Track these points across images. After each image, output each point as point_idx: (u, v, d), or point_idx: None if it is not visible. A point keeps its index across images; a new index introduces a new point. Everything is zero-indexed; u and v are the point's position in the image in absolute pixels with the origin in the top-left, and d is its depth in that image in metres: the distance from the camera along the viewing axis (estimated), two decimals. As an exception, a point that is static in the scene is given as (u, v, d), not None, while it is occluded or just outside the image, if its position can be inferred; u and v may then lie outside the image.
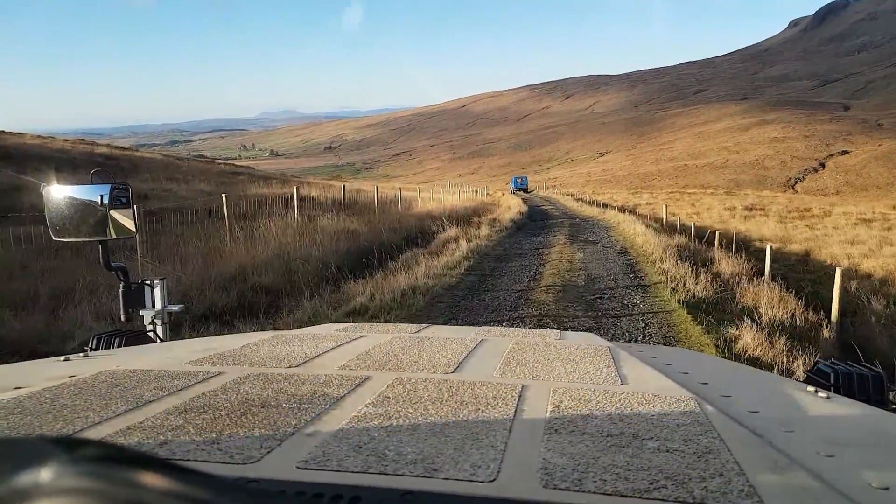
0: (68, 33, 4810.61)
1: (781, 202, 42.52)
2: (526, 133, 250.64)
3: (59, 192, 2.07)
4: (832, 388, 1.39)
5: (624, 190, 74.49)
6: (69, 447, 0.34)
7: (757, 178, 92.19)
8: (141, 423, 0.81)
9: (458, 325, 6.56)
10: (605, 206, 33.42)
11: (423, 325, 1.94)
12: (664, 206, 25.39)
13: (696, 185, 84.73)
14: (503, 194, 50.19)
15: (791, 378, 2.26)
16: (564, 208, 34.09)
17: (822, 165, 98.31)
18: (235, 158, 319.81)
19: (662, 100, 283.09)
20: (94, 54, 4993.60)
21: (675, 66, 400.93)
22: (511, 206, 28.00)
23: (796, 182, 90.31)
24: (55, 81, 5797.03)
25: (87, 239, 2.14)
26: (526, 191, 56.54)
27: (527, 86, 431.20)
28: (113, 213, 2.06)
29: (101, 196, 2.04)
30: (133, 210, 2.14)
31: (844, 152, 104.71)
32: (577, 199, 43.34)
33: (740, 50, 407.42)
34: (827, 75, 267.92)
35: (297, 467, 0.67)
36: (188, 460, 0.69)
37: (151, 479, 0.32)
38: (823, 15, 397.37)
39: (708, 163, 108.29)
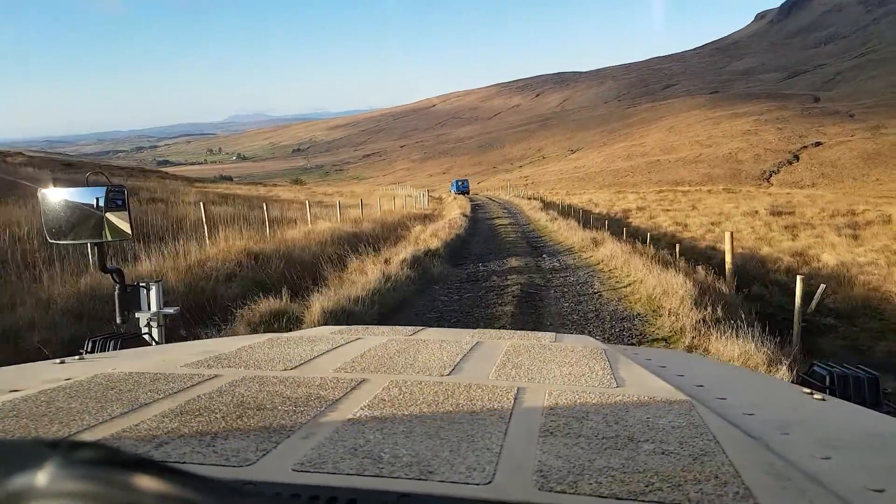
0: (31, 42, 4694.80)
1: (801, 200, 34.85)
2: (497, 131, 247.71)
3: (54, 195, 2.06)
4: (827, 391, 1.38)
5: (599, 188, 71.15)
6: (65, 450, 0.34)
7: (731, 171, 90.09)
8: (137, 425, 0.81)
9: None
10: (587, 217, 24.29)
11: (419, 327, 1.90)
12: (730, 235, 10.96)
13: (670, 180, 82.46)
14: (454, 198, 42.81)
15: (786, 380, 2.21)
16: (527, 226, 23.44)
17: (797, 157, 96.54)
18: (201, 163, 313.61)
19: (632, 95, 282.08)
20: (59, 62, 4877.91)
21: (643, 61, 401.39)
22: (426, 235, 16.18)
23: (771, 175, 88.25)
24: (19, 90, 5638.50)
25: (82, 241, 2.14)
26: (466, 194, 50.73)
27: (496, 84, 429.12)
28: (108, 215, 2.05)
29: (97, 199, 2.05)
30: (129, 213, 2.13)
31: (818, 143, 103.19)
32: (547, 207, 31.42)
33: (708, 44, 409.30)
34: (795, 67, 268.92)
35: (293, 470, 0.67)
36: (184, 463, 0.69)
37: (147, 482, 0.32)
38: (789, 7, 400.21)
39: (681, 157, 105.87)
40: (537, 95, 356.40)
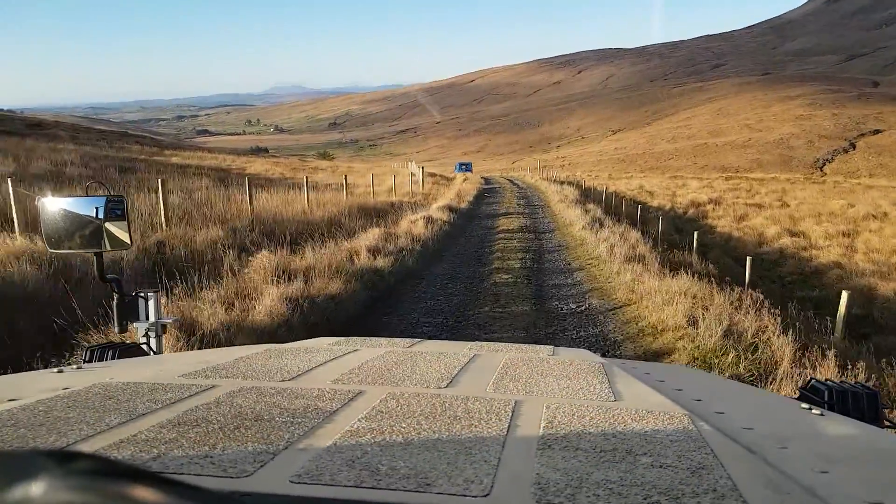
0: (78, 9, 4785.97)
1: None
2: (535, 109, 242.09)
3: (53, 204, 2.10)
4: (826, 406, 1.38)
5: (641, 171, 67.09)
6: (62, 460, 0.34)
7: (782, 158, 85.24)
8: (134, 436, 0.82)
9: None
10: (644, 216, 17.52)
11: (416, 339, 1.89)
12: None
13: (717, 165, 78.23)
14: (465, 178, 36.21)
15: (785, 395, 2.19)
16: (548, 236, 14.38)
17: (853, 146, 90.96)
18: (240, 134, 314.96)
19: (678, 75, 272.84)
20: (105, 30, 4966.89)
21: (691, 39, 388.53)
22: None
23: (824, 163, 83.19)
24: (65, 57, 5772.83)
25: (81, 251, 2.18)
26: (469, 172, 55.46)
27: (537, 60, 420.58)
28: (108, 225, 2.08)
29: (97, 208, 2.07)
30: (128, 222, 2.16)
31: (877, 131, 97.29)
32: (584, 197, 22.26)
33: (760, 23, 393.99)
34: (853, 49, 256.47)
35: (291, 481, 0.67)
36: (181, 474, 0.69)
37: (144, 493, 0.32)
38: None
39: (729, 141, 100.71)
40: (579, 72, 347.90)
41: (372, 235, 11.00)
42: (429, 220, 14.13)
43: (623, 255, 10.25)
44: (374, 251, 9.87)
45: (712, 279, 8.14)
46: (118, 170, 18.33)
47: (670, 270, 9.09)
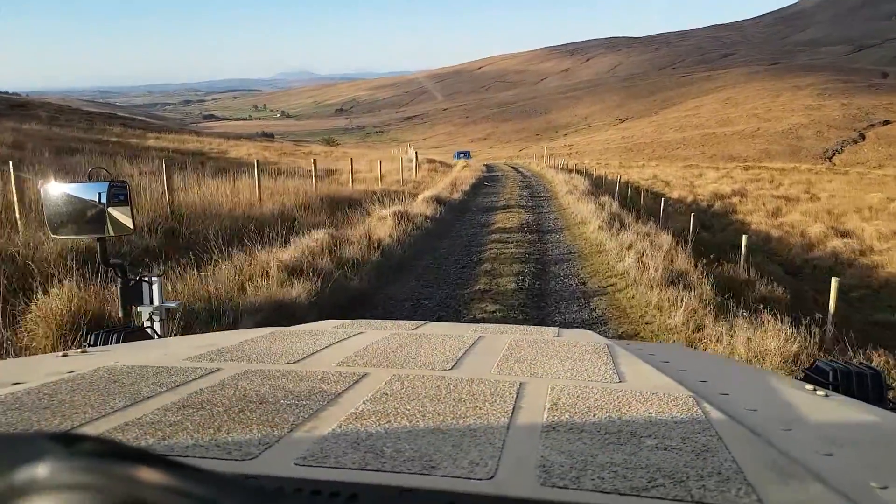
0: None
1: None
2: (542, 97, 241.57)
3: (56, 190, 2.09)
4: (830, 387, 1.37)
5: (649, 159, 67.41)
6: (66, 443, 0.34)
7: (791, 148, 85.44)
8: (139, 419, 0.81)
9: None
10: (666, 208, 15.24)
11: (421, 322, 1.89)
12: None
13: (726, 154, 78.54)
14: (465, 165, 33.26)
15: (789, 377, 2.18)
16: (552, 248, 10.88)
17: (863, 136, 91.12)
18: (246, 119, 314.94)
19: (687, 64, 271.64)
20: (115, 14, 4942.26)
21: (700, 28, 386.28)
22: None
23: (834, 154, 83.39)
24: (76, 42, 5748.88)
25: (85, 236, 2.21)
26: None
27: (545, 47, 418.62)
28: (111, 210, 2.08)
29: (99, 194, 2.07)
30: (131, 207, 2.16)
31: (886, 122, 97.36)
32: (596, 188, 20.04)
33: (769, 13, 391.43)
34: (861, 40, 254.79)
35: (295, 464, 0.67)
36: (186, 456, 0.69)
37: (149, 475, 0.32)
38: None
39: (737, 131, 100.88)
40: (587, 60, 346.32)
41: (309, 241, 8.33)
42: (402, 217, 11.44)
43: (659, 271, 7.83)
44: (294, 270, 6.88)
45: (796, 317, 6.15)
46: (56, 151, 16.97)
47: (731, 299, 7.04)
